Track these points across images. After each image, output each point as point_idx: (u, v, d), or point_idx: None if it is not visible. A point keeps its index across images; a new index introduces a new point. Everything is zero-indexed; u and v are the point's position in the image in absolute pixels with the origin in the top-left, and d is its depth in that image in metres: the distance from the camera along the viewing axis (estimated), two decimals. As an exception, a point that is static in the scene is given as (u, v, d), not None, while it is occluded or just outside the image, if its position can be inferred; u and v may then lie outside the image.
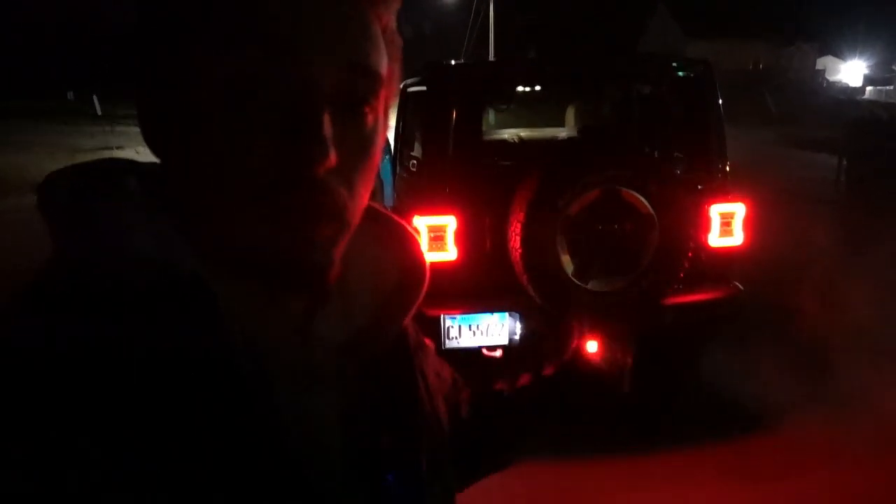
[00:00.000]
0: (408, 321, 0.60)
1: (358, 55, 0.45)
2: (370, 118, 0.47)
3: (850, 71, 43.98)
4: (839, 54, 46.90)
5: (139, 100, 0.48)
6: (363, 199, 0.49)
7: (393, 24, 0.50)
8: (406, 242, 0.61)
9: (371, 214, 0.60)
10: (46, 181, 0.48)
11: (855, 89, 33.40)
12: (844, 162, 9.99)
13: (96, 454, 0.39)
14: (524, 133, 4.24)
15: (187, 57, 0.43)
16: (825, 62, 45.12)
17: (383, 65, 0.48)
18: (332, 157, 0.43)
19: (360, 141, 0.47)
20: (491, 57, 18.11)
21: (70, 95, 21.31)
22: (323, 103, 0.43)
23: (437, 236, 2.89)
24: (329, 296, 0.54)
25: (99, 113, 17.45)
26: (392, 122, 4.67)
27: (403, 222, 0.62)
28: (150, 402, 0.41)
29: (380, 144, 0.50)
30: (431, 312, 2.89)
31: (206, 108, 0.43)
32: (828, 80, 38.82)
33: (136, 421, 0.41)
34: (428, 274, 0.60)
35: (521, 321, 3.00)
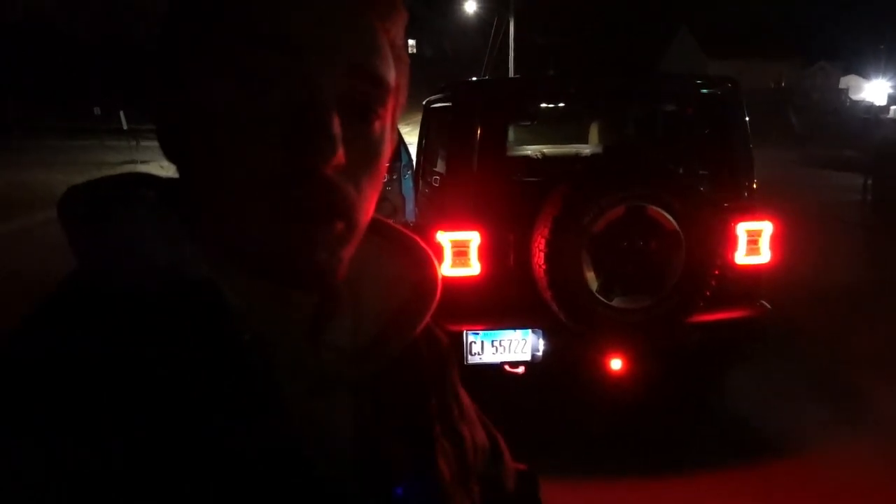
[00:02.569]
0: (418, 333, 0.60)
1: (365, 61, 0.47)
2: (378, 126, 0.49)
3: (874, 90, 43.56)
4: (863, 73, 46.52)
5: (155, 108, 0.49)
6: (371, 202, 0.50)
7: (400, 40, 0.51)
8: (419, 258, 0.62)
9: (384, 230, 0.61)
10: (66, 195, 0.49)
11: (879, 108, 33.03)
12: (869, 182, 9.86)
13: (111, 457, 0.40)
14: (547, 149, 4.24)
15: (201, 61, 0.45)
16: (848, 81, 44.78)
17: (391, 75, 0.49)
18: (341, 155, 0.44)
19: (368, 146, 0.48)
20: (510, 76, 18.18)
21: (97, 111, 21.74)
22: (331, 103, 0.45)
23: (460, 251, 2.89)
24: (340, 305, 0.55)
25: (125, 128, 17.77)
26: (414, 138, 4.72)
27: (417, 238, 0.63)
28: (162, 404, 0.42)
29: (387, 153, 0.51)
30: (454, 327, 2.88)
31: (217, 108, 0.44)
32: (851, 99, 38.44)
33: (149, 423, 0.41)
34: (440, 287, 0.61)
35: (544, 338, 2.98)
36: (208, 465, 0.43)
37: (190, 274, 0.46)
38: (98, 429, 0.40)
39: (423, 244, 0.63)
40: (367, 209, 0.50)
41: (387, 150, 0.51)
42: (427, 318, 0.60)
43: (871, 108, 31.49)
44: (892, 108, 31.70)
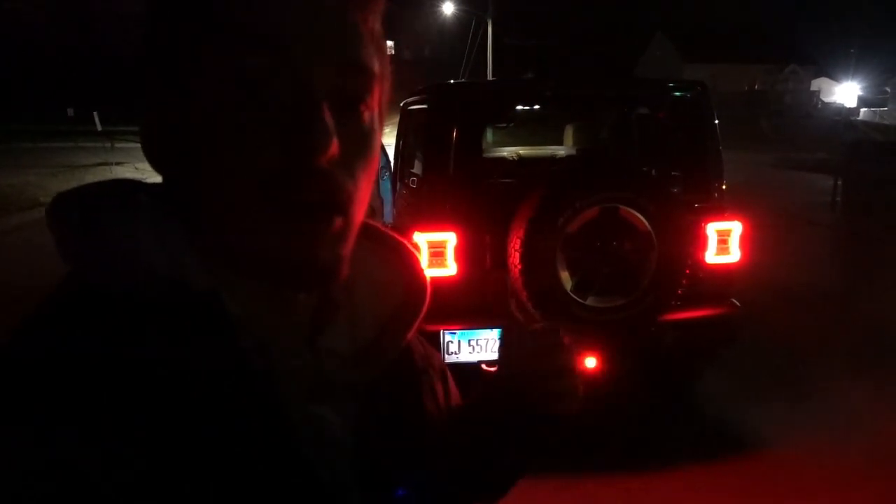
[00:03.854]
0: (411, 336, 0.61)
1: (351, 54, 0.47)
2: (367, 115, 0.49)
3: (845, 92, 44.40)
4: (833, 76, 47.36)
5: (155, 110, 0.48)
6: (366, 192, 0.51)
7: (379, 28, 0.52)
8: (408, 260, 0.63)
9: (374, 234, 0.62)
10: (57, 200, 0.49)
11: (850, 110, 33.66)
12: (839, 183, 10.05)
13: (110, 457, 0.40)
14: (523, 151, 4.28)
15: (191, 67, 0.45)
16: (819, 84, 45.54)
17: (375, 65, 0.49)
18: (335, 146, 0.45)
19: (359, 136, 0.49)
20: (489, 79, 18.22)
21: (70, 112, 21.47)
22: (322, 97, 0.45)
23: (437, 252, 2.92)
24: (338, 309, 0.56)
25: (99, 129, 17.56)
26: (392, 140, 4.73)
27: (405, 240, 0.64)
28: (162, 406, 0.43)
29: (377, 142, 0.52)
30: (431, 327, 2.91)
31: (211, 113, 0.45)
32: (822, 102, 39.14)
33: (149, 425, 0.42)
34: (429, 290, 0.62)
35: (520, 337, 3.01)
36: (208, 468, 0.43)
37: (191, 282, 0.46)
38: (98, 430, 0.41)
39: (409, 246, 0.64)
40: (363, 200, 0.50)
41: (377, 139, 0.51)
42: (420, 320, 0.61)
43: (841, 111, 32.09)
44: (863, 110, 32.34)
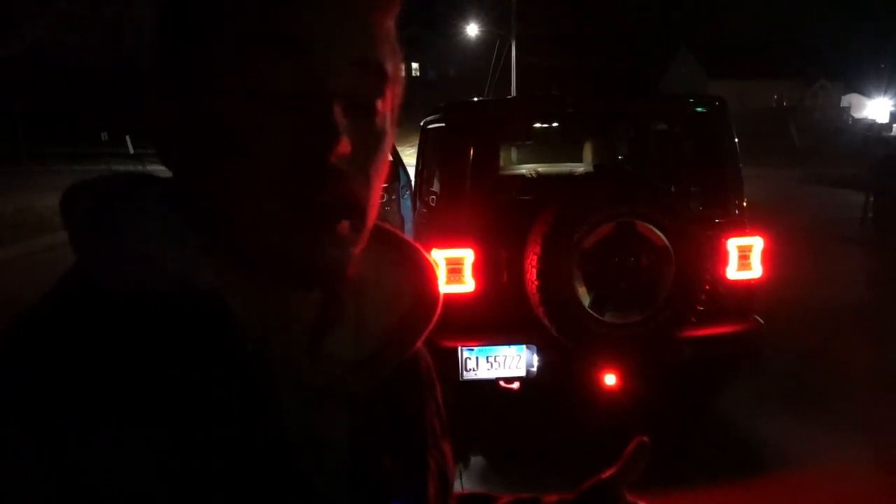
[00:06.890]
0: (419, 346, 0.60)
1: (366, 53, 0.47)
2: (380, 117, 0.49)
3: (876, 108, 43.60)
4: (864, 91, 46.60)
5: (167, 112, 0.48)
6: (378, 193, 0.50)
7: (393, 30, 0.51)
8: (422, 269, 0.61)
9: (390, 239, 0.61)
10: (70, 191, 0.49)
11: (882, 126, 33.03)
12: (871, 199, 9.86)
13: (105, 457, 0.40)
14: (542, 168, 4.30)
15: (205, 63, 0.45)
16: (850, 99, 44.89)
17: (390, 66, 0.49)
18: (346, 144, 0.44)
19: (372, 138, 0.48)
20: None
21: (104, 136, 22.11)
22: (335, 98, 0.45)
23: (454, 269, 2.94)
24: (343, 313, 0.55)
25: (132, 152, 18.03)
26: (412, 159, 4.79)
27: (422, 249, 0.62)
28: (160, 408, 0.43)
29: (389, 145, 0.51)
30: (449, 344, 2.91)
31: (226, 114, 0.45)
32: (853, 118, 38.54)
33: (146, 426, 0.42)
34: (441, 302, 0.60)
35: (537, 353, 3.01)
36: (202, 473, 0.43)
37: (197, 282, 0.46)
38: (94, 429, 0.41)
39: (425, 255, 0.62)
40: (376, 201, 0.50)
41: (389, 142, 0.51)
42: (428, 333, 0.59)
43: (872, 126, 31.50)
44: (895, 125, 31.68)
